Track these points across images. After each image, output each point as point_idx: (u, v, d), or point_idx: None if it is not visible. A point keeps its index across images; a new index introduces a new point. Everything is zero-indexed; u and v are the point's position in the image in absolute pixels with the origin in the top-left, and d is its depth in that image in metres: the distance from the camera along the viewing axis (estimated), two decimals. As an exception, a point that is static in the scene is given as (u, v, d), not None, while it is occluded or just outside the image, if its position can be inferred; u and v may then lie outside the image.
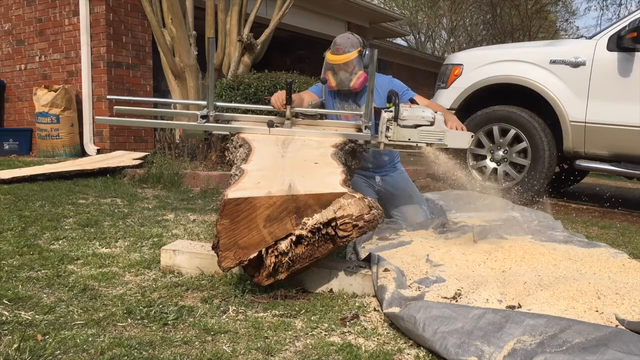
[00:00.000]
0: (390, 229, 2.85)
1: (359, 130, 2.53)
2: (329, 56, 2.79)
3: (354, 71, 2.78)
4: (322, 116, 2.84)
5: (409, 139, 2.38)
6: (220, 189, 4.00)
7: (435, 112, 2.43)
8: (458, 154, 2.73)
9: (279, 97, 2.54)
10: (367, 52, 2.79)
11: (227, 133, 2.48)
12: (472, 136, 2.47)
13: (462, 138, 2.46)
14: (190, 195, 3.94)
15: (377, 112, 2.54)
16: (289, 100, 2.46)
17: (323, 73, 2.87)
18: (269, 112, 2.69)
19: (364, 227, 1.75)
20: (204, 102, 2.61)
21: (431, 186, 4.84)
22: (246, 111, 3.25)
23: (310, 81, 4.75)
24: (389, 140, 2.39)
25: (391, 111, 2.40)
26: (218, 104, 2.67)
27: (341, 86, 2.82)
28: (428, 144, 2.40)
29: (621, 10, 16.78)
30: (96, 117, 2.27)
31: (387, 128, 2.40)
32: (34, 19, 6.80)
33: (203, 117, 2.53)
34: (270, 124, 2.41)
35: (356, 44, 2.78)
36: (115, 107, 2.73)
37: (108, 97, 3.33)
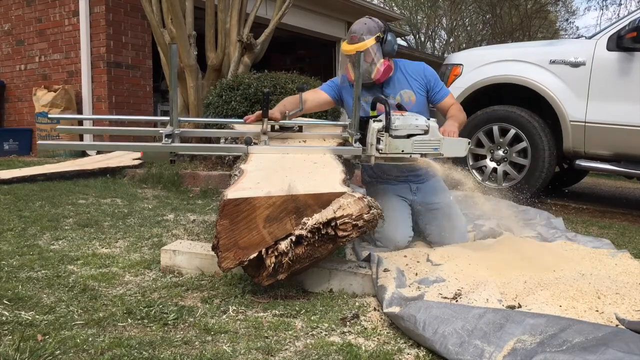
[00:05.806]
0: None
1: (345, 142, 2.32)
2: (344, 46, 2.45)
3: (374, 61, 2.41)
4: (302, 127, 2.46)
5: (402, 151, 2.13)
6: (220, 189, 3.99)
7: (429, 119, 2.20)
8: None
9: (253, 117, 2.28)
10: (388, 37, 2.43)
11: (197, 153, 2.23)
12: (468, 143, 2.26)
13: (458, 146, 2.23)
14: (190, 195, 3.94)
15: (365, 122, 2.26)
16: (265, 113, 2.19)
17: (341, 67, 2.53)
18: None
19: (363, 226, 1.75)
20: (167, 118, 2.26)
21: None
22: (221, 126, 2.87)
23: (309, 81, 4.74)
24: (380, 153, 2.14)
25: (380, 120, 2.14)
26: (182, 119, 2.31)
27: (362, 79, 2.31)
28: (422, 155, 2.17)
29: (621, 10, 16.80)
30: (39, 142, 2.15)
31: (378, 140, 2.14)
32: (34, 19, 6.80)
33: (168, 136, 2.15)
34: (249, 142, 2.16)
35: (374, 29, 2.42)
36: (59, 126, 2.50)
37: (49, 115, 3.15)
